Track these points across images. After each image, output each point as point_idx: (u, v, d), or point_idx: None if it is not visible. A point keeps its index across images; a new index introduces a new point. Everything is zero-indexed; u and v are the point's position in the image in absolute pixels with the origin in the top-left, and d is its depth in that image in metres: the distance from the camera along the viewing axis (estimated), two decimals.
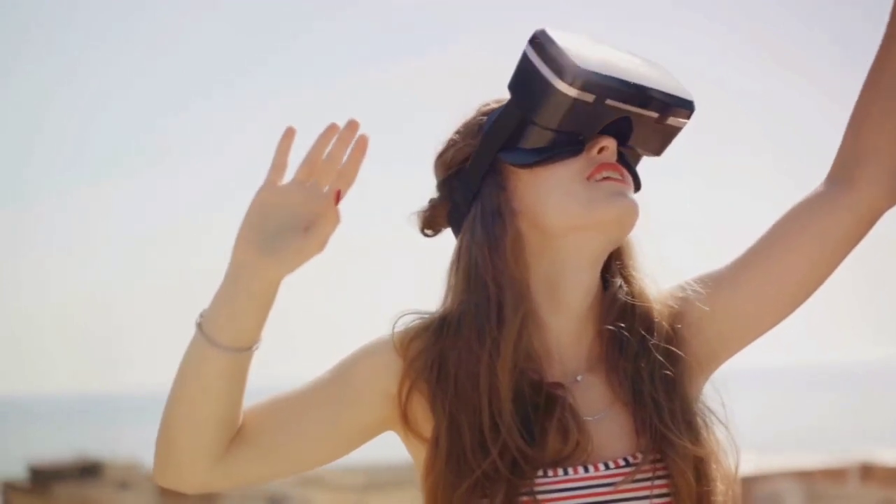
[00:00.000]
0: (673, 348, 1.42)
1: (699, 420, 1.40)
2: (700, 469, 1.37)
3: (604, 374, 1.42)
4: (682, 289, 1.46)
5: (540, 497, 1.33)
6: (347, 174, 1.33)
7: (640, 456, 1.36)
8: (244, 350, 1.34)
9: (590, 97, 1.35)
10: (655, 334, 1.42)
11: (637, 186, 1.44)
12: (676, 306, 1.45)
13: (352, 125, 1.32)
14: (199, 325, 1.35)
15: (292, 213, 1.32)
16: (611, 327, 1.42)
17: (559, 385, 1.38)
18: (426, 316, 1.44)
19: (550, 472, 1.34)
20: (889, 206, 1.43)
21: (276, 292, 1.34)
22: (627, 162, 1.44)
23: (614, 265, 1.47)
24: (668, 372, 1.40)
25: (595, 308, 1.44)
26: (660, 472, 1.36)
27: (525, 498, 1.33)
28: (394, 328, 1.42)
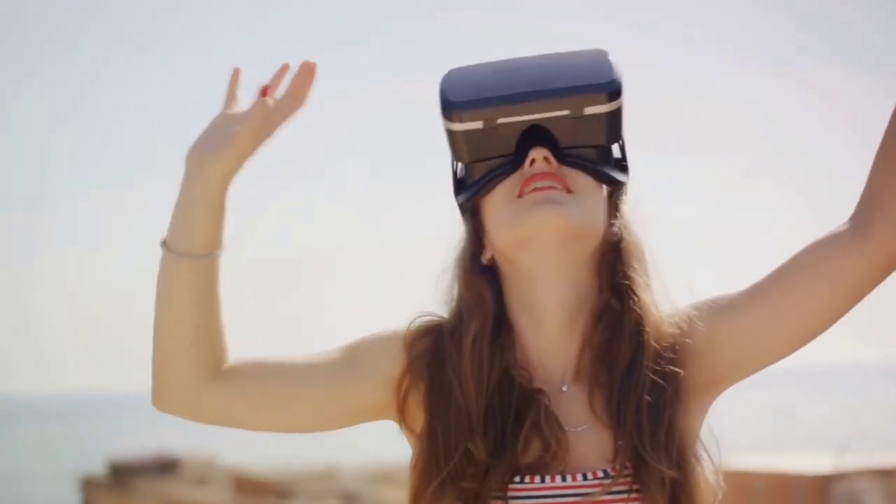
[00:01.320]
0: (671, 367, 1.40)
1: (683, 443, 1.39)
2: (677, 493, 1.37)
3: (588, 387, 1.43)
4: (695, 308, 1.45)
5: (512, 503, 1.36)
6: (296, 94, 1.43)
7: (618, 469, 1.37)
8: (203, 256, 1.40)
9: (477, 124, 1.39)
10: (645, 353, 1.40)
11: (607, 180, 1.44)
12: (683, 326, 1.44)
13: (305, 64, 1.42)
14: (162, 241, 1.42)
15: (235, 121, 1.41)
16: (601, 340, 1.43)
17: (540, 391, 1.41)
18: (437, 319, 1.49)
19: (527, 479, 1.37)
20: None
21: (220, 193, 1.40)
22: (577, 162, 1.42)
23: (615, 276, 1.44)
24: (654, 393, 1.39)
25: (582, 319, 1.44)
26: (636, 488, 1.37)
27: (497, 503, 1.37)
28: (409, 325, 1.47)
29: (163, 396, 1.45)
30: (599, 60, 1.43)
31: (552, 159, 1.41)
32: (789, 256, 1.43)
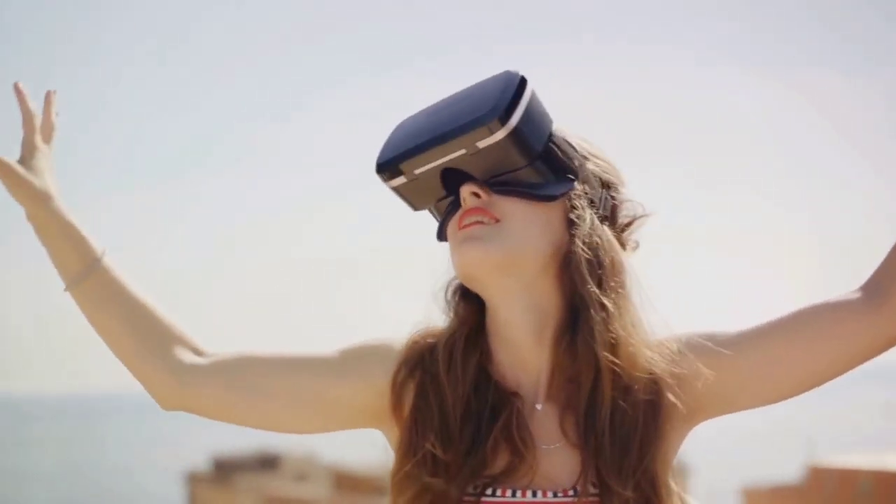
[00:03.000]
0: (649, 393, 1.41)
1: (655, 469, 1.39)
2: None
3: (560, 406, 1.45)
4: (687, 337, 1.45)
5: None
6: (46, 125, 1.58)
7: (589, 489, 1.38)
8: (79, 281, 1.52)
9: (401, 179, 1.47)
10: (605, 374, 1.40)
11: (537, 199, 1.43)
12: (669, 352, 1.43)
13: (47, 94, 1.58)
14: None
15: None
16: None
17: (516, 394, 1.45)
18: (437, 329, 1.53)
19: (499, 492, 1.40)
20: None
21: (37, 232, 1.53)
22: (505, 189, 1.44)
23: (573, 291, 1.44)
24: (623, 416, 1.39)
25: (547, 338, 1.45)
26: None
27: None
28: (410, 334, 1.52)
29: (155, 398, 1.56)
30: (487, 89, 1.44)
31: (481, 192, 1.44)
32: (796, 309, 1.43)
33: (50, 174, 1.54)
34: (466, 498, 1.40)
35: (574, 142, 1.50)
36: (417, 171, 1.45)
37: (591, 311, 1.41)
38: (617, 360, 1.40)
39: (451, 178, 1.45)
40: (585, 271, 1.42)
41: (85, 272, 1.52)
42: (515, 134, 1.41)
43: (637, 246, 1.54)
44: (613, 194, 1.51)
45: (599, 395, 1.40)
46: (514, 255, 1.42)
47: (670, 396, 1.41)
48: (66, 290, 1.53)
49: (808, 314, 1.42)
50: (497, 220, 1.43)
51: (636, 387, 1.40)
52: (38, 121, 1.56)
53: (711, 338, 1.44)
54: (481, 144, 1.41)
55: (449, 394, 1.44)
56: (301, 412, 1.51)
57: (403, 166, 1.45)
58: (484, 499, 1.40)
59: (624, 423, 1.39)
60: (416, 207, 1.52)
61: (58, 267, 1.53)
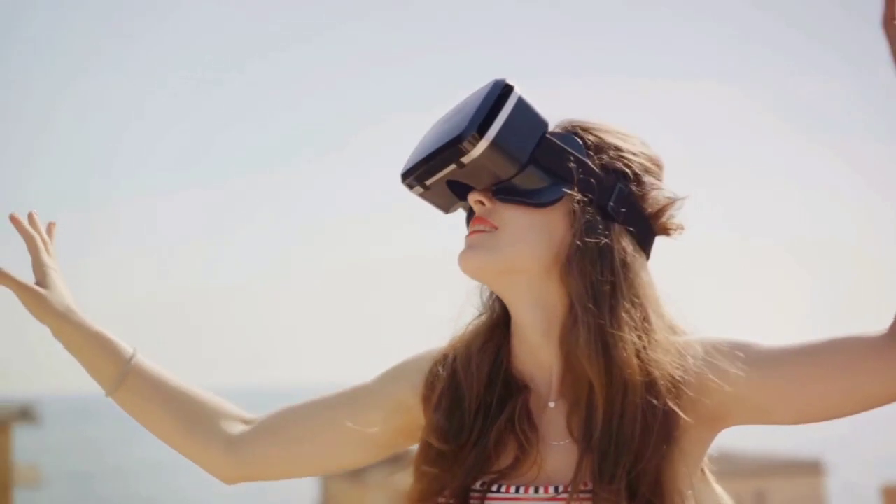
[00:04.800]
0: (661, 396, 1.41)
1: (659, 472, 1.39)
2: None
3: (569, 404, 1.47)
4: (713, 345, 1.44)
5: None
6: (48, 243, 1.65)
7: (589, 484, 1.40)
8: (116, 387, 1.59)
9: (418, 188, 1.53)
10: (609, 375, 1.41)
11: (533, 205, 1.46)
12: (689, 358, 1.43)
13: (30, 217, 1.65)
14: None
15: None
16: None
17: (526, 387, 1.49)
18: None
19: (504, 488, 1.44)
20: None
21: (67, 347, 1.59)
22: (505, 197, 1.48)
23: (580, 301, 1.46)
24: (626, 418, 1.40)
25: (555, 337, 1.48)
26: None
27: None
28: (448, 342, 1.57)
29: (217, 477, 1.63)
30: (472, 102, 1.48)
31: (485, 200, 1.49)
32: (826, 338, 1.42)
33: (65, 288, 1.62)
34: (474, 494, 1.45)
35: (579, 139, 1.50)
36: (428, 183, 1.51)
37: (584, 312, 1.43)
38: (611, 362, 1.41)
39: (461, 186, 1.50)
40: (577, 274, 1.45)
41: (121, 376, 1.59)
42: (496, 146, 1.45)
43: (680, 228, 1.54)
44: (634, 185, 1.50)
45: (595, 395, 1.42)
46: (511, 262, 1.46)
47: (670, 403, 1.41)
48: (106, 395, 1.61)
49: (840, 346, 1.40)
50: (496, 228, 1.48)
51: (635, 389, 1.40)
52: (39, 241, 1.64)
53: (745, 348, 1.44)
54: (465, 160, 1.45)
55: (465, 388, 1.49)
56: (352, 450, 1.58)
57: (415, 179, 1.51)
58: (490, 495, 1.44)
59: (623, 424, 1.40)
60: (444, 211, 1.57)
61: (94, 376, 1.60)
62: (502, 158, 1.46)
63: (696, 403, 1.43)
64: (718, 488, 1.53)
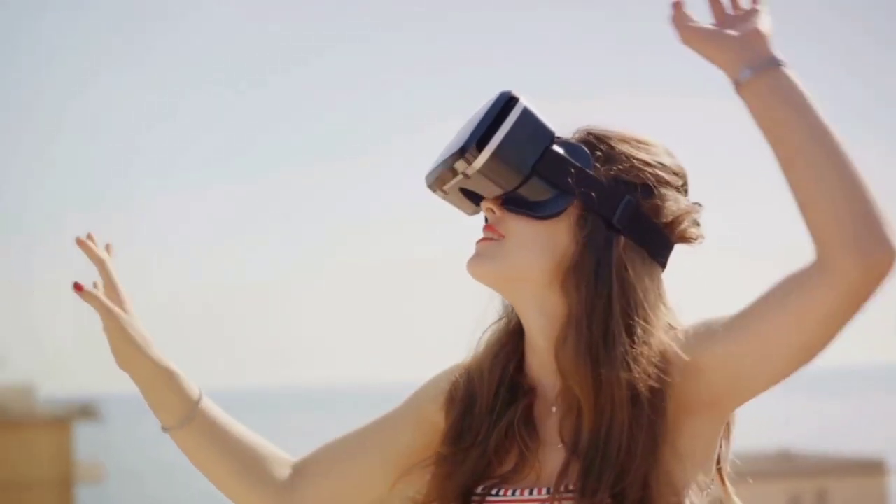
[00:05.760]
0: (639, 404, 1.41)
1: (648, 471, 1.40)
2: None
3: (565, 409, 1.49)
4: (690, 329, 1.45)
5: None
6: (95, 260, 1.63)
7: (557, 489, 1.43)
8: (182, 424, 1.59)
9: (439, 193, 1.56)
10: (598, 390, 1.43)
11: (536, 216, 1.48)
12: (673, 358, 1.43)
13: (81, 243, 1.62)
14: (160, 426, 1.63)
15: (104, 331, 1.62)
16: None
17: (532, 390, 1.52)
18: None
19: (502, 492, 1.48)
20: (866, 279, 1.33)
21: (136, 378, 1.60)
22: (511, 208, 1.50)
23: (571, 312, 1.48)
24: (612, 427, 1.41)
25: (557, 355, 1.49)
26: None
27: None
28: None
29: None
30: (477, 114, 1.51)
31: (495, 209, 1.51)
32: (764, 291, 1.40)
33: (139, 320, 1.61)
34: (474, 498, 1.48)
35: (589, 149, 1.49)
36: (446, 188, 1.53)
37: (576, 327, 1.46)
38: (599, 380, 1.42)
39: (475, 193, 1.53)
40: (574, 286, 1.47)
41: (188, 416, 1.60)
42: (496, 159, 1.47)
43: (700, 237, 1.53)
44: (645, 196, 1.48)
45: (581, 402, 1.44)
46: (514, 271, 1.49)
47: (677, 390, 1.42)
48: (163, 430, 1.62)
49: (774, 292, 1.38)
50: (502, 237, 1.50)
51: (622, 405, 1.41)
52: (110, 265, 1.62)
53: (708, 326, 1.44)
54: (469, 172, 1.48)
55: (477, 393, 1.53)
56: (395, 476, 1.59)
57: (433, 184, 1.55)
58: (489, 499, 1.48)
59: (609, 438, 1.41)
60: (468, 214, 1.58)
61: (156, 409, 1.60)
62: (503, 170, 1.48)
63: (683, 393, 1.43)
64: (737, 500, 1.52)
